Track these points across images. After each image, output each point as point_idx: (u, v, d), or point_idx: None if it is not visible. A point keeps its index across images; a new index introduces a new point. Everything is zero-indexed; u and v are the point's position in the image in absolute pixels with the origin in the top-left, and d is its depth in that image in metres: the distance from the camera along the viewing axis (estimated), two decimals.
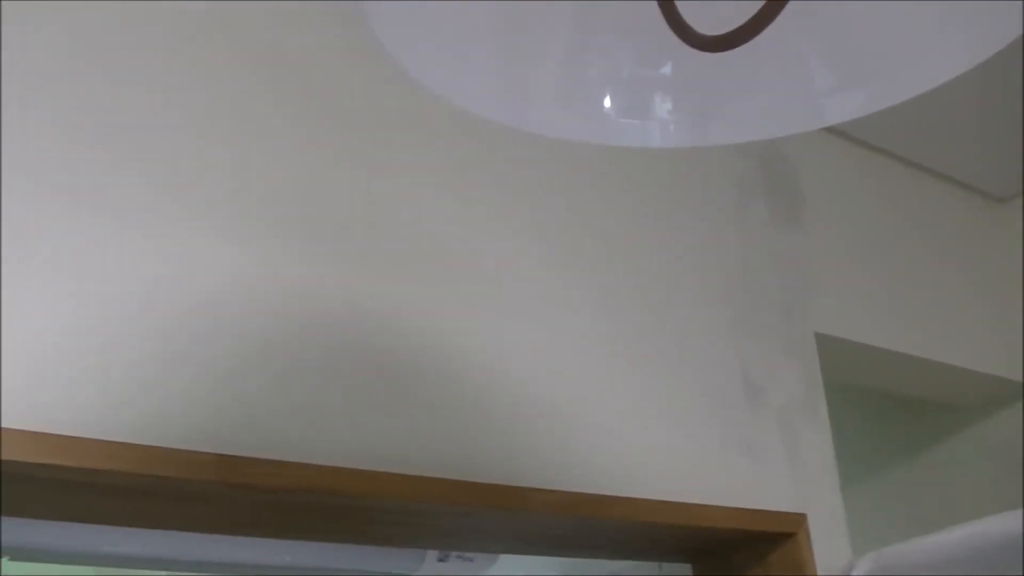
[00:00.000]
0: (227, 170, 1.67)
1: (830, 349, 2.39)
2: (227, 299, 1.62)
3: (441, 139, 1.90)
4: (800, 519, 2.12)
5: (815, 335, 2.35)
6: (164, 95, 1.65)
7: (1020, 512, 1.95)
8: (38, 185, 1.51)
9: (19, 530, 2.07)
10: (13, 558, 2.28)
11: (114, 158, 1.58)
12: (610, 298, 2.03)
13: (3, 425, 1.41)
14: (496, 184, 1.96)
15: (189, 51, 1.69)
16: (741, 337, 2.20)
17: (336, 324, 1.69)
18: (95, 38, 1.61)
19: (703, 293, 2.18)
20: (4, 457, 1.41)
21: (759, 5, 0.87)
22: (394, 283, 1.77)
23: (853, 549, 2.21)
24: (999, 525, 1.95)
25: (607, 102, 0.94)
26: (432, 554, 2.50)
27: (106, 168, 1.57)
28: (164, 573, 2.66)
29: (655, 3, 0.88)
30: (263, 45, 1.77)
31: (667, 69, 0.93)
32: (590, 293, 2.00)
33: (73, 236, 1.52)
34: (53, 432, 1.45)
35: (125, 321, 1.54)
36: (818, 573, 2.08)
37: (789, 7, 0.85)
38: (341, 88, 1.83)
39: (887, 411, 3.08)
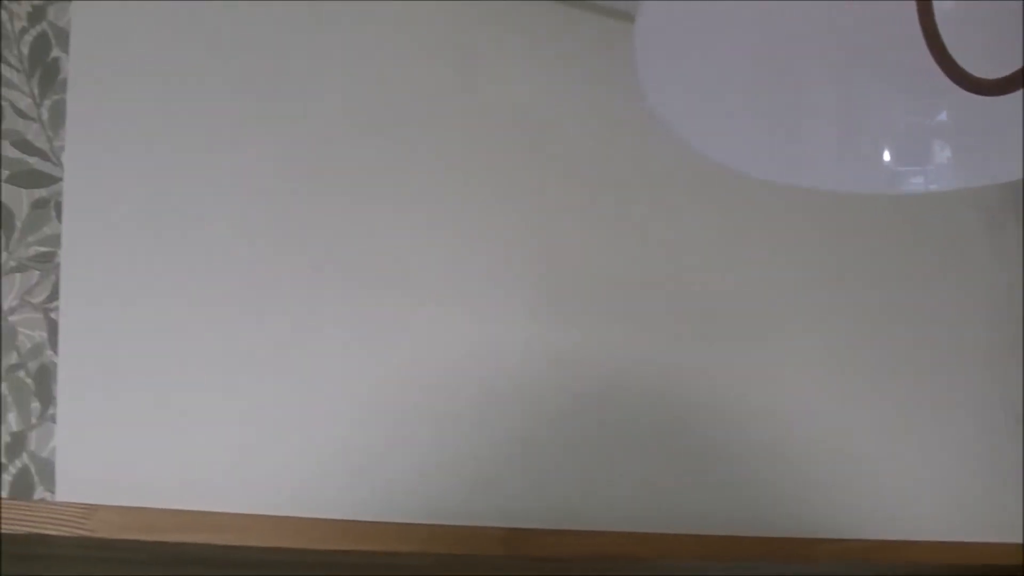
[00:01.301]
0: (512, 243, 1.72)
1: None
2: (505, 372, 1.66)
3: (714, 196, 1.91)
4: None
5: None
6: (457, 179, 1.71)
7: None
8: (345, 269, 1.59)
9: None
10: None
11: (403, 238, 1.65)
12: (879, 341, 2.00)
13: (299, 515, 1.48)
14: (766, 237, 1.95)
15: (476, 135, 1.75)
16: (1008, 365, 2.13)
17: (614, 388, 1.72)
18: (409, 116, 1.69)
19: (966, 323, 2.12)
20: (298, 546, 1.47)
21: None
22: (673, 344, 1.78)
23: None
24: None
25: (884, 153, 0.95)
26: None
27: (399, 249, 1.64)
28: None
29: (927, 54, 0.88)
30: (540, 128, 1.81)
31: (943, 115, 0.94)
32: (860, 338, 1.98)
33: (368, 318, 1.60)
34: (342, 518, 1.51)
35: (407, 403, 1.60)
36: None
37: None
38: (611, 157, 1.85)
39: None
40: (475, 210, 1.73)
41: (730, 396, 1.80)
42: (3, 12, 1.48)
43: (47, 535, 1.36)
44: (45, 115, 1.47)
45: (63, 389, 1.40)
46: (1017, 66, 0.87)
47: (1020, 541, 1.97)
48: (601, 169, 1.84)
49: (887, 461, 1.91)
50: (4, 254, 1.41)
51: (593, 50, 1.88)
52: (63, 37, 1.50)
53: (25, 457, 1.36)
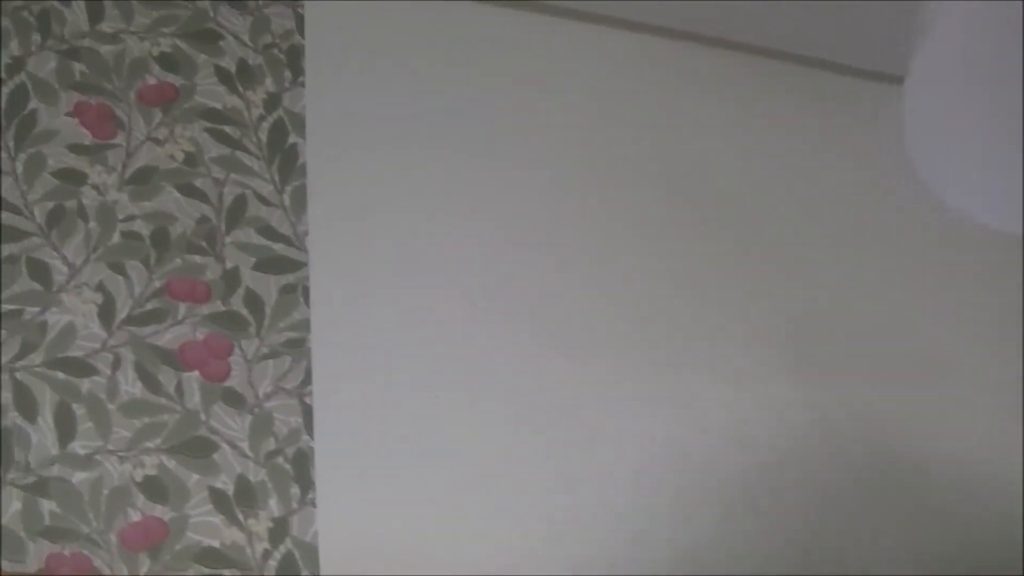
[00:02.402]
0: (763, 304, 1.67)
1: None
2: (764, 435, 1.60)
3: (951, 251, 1.82)
4: None
5: None
6: (701, 240, 1.68)
7: None
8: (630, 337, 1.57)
9: None
10: None
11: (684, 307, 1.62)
12: None
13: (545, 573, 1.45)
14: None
15: (715, 196, 1.71)
16: None
17: (872, 448, 1.64)
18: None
19: None
20: None
21: None
22: (923, 400, 1.70)
23: None
24: None
25: None
26: None
27: (682, 321, 1.61)
28: None
29: None
30: (784, 190, 1.76)
31: None
32: None
33: (620, 387, 1.56)
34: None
35: (665, 468, 1.55)
36: None
37: None
38: (855, 215, 1.79)
39: None
40: (720, 274, 1.68)
41: (963, 451, 1.70)
42: (241, 101, 1.52)
43: None
44: (287, 201, 1.49)
45: (321, 473, 1.41)
46: None
47: None
48: (849, 227, 1.77)
49: None
50: (256, 341, 1.43)
51: (826, 109, 1.82)
52: (299, 122, 1.52)
53: (289, 542, 1.37)
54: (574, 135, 1.67)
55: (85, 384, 1.37)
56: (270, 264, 1.47)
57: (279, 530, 1.37)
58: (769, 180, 1.76)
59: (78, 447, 1.35)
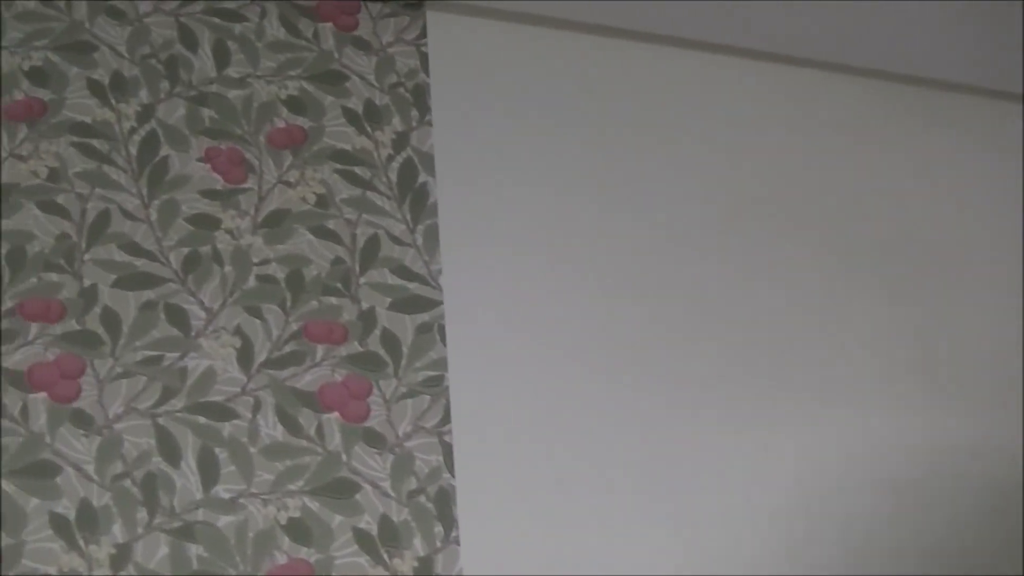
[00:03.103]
0: (896, 333, 1.66)
1: None
2: (905, 465, 1.58)
3: None
4: None
5: None
6: (833, 269, 1.66)
7: None
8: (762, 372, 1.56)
9: None
10: None
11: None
12: None
13: None
14: None
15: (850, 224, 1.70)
16: None
17: (1000, 479, 1.61)
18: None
19: None
20: None
21: None
22: None
23: None
24: None
25: None
26: None
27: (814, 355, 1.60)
28: None
29: None
30: (916, 215, 1.75)
31: None
32: None
33: (789, 415, 1.55)
34: None
35: (817, 499, 1.53)
36: None
37: None
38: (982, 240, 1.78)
39: None
40: (848, 299, 1.66)
41: None
42: (369, 141, 1.53)
43: None
44: (420, 240, 1.49)
45: (463, 510, 1.40)
46: None
47: None
48: (973, 249, 1.75)
49: None
50: (394, 381, 1.43)
51: (947, 129, 1.80)
52: (428, 161, 1.53)
53: None
54: (709, 172, 1.67)
55: (226, 428, 1.38)
56: (405, 303, 1.47)
57: (424, 569, 1.37)
58: (892, 201, 1.74)
59: (222, 491, 1.36)
